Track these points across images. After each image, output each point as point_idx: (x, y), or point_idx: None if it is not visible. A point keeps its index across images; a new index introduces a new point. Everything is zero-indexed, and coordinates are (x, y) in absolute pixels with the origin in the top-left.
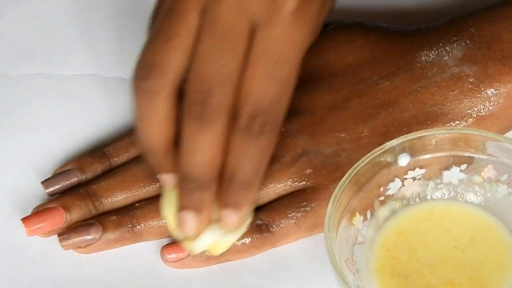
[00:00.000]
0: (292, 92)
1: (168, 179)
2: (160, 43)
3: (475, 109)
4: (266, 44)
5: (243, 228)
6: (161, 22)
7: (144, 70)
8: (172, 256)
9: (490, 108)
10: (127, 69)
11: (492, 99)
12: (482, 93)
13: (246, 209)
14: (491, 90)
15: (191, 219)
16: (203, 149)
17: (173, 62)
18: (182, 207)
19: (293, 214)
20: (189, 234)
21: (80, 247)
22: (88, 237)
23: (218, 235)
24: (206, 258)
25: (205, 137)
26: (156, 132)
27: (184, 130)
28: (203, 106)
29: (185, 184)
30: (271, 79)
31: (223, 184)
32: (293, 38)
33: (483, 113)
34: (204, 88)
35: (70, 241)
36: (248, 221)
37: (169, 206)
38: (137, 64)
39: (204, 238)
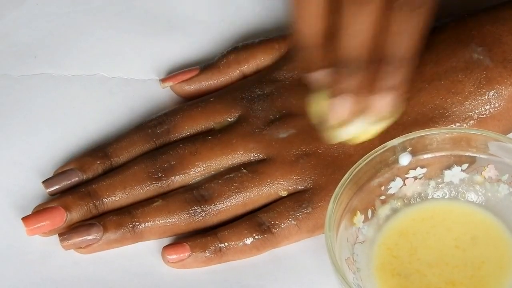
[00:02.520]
0: None
1: (321, 75)
2: None
3: (476, 111)
4: None
5: (394, 117)
6: None
7: None
8: (173, 256)
9: (491, 110)
10: (128, 70)
11: (493, 101)
12: (483, 95)
13: (401, 91)
14: (492, 92)
15: (346, 102)
16: (363, 30)
17: None
18: (338, 91)
19: (294, 215)
20: (341, 118)
21: (80, 247)
22: (89, 237)
23: (366, 123)
24: (207, 259)
25: (366, 17)
26: (313, 25)
27: (344, 13)
28: None
29: (342, 68)
30: None
31: (380, 68)
32: None
33: (484, 116)
34: None
35: (70, 241)
36: (400, 110)
37: (320, 100)
38: None
39: (354, 124)
